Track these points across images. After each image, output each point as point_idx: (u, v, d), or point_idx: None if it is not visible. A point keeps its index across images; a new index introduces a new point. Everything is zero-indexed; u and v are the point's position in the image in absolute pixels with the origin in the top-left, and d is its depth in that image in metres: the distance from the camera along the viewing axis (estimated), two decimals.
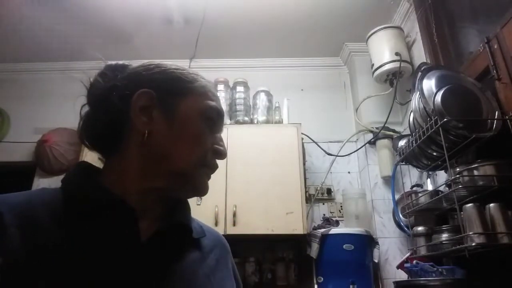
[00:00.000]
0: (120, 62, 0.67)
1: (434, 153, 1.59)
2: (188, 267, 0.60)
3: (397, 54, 2.33)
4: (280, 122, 2.53)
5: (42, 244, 0.50)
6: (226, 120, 2.47)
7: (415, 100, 1.65)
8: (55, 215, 0.53)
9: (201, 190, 0.63)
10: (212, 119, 0.65)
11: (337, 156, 2.66)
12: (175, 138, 0.61)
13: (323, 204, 2.60)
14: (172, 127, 0.61)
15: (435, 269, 1.54)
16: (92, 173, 0.62)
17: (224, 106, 2.51)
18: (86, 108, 0.64)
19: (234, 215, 2.10)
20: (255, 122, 2.53)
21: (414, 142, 1.64)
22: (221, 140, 0.67)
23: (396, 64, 2.31)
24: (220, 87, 2.62)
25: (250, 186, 2.22)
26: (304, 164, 2.40)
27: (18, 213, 0.52)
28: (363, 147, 2.58)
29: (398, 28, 2.48)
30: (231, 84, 2.67)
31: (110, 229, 0.54)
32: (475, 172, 1.43)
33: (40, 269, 0.48)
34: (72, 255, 0.50)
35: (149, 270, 0.55)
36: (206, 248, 0.67)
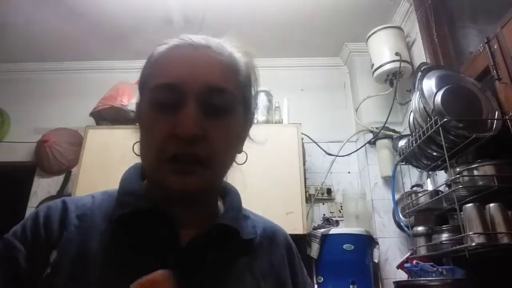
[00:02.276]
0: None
1: (434, 153, 1.59)
2: (235, 272, 0.57)
3: (397, 54, 2.33)
4: (280, 122, 2.53)
5: (90, 248, 0.52)
6: None
7: (415, 100, 1.65)
8: (107, 220, 0.56)
9: (172, 189, 0.52)
10: (163, 100, 0.53)
11: (337, 156, 2.66)
12: (140, 140, 0.56)
13: (323, 204, 2.60)
14: (140, 127, 0.57)
15: (435, 269, 1.54)
16: (140, 175, 0.62)
17: None
18: None
19: None
20: (255, 122, 2.51)
21: (414, 142, 1.64)
22: (185, 115, 0.51)
23: (396, 64, 2.31)
24: None
25: (250, 186, 2.21)
26: (304, 164, 2.40)
27: (80, 214, 0.56)
28: (363, 147, 2.58)
29: (398, 28, 2.48)
30: None
31: (148, 236, 0.54)
32: (475, 172, 1.43)
33: (82, 273, 0.50)
34: (111, 263, 0.52)
35: (191, 276, 0.53)
36: (259, 249, 0.62)
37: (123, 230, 0.54)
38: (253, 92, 0.63)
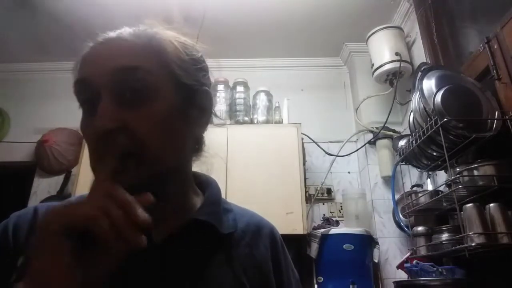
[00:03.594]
0: None
1: (434, 153, 1.59)
2: (214, 267, 0.56)
3: (397, 54, 2.33)
4: (280, 122, 2.53)
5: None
6: (226, 120, 2.48)
7: (415, 100, 1.65)
8: None
9: None
10: (81, 99, 0.51)
11: (337, 156, 2.66)
12: None
13: (323, 204, 2.60)
14: None
15: (435, 269, 1.54)
16: None
17: (224, 106, 2.51)
18: None
19: None
20: (255, 122, 2.52)
21: (414, 142, 1.64)
22: (98, 110, 0.48)
23: (396, 64, 2.31)
24: (220, 87, 2.62)
25: (250, 186, 2.22)
26: (304, 164, 2.40)
27: None
28: (363, 147, 2.58)
29: (398, 28, 2.48)
30: (231, 84, 2.67)
31: None
32: (475, 172, 1.43)
33: None
34: (85, 264, 0.51)
35: (166, 274, 0.52)
36: (240, 242, 0.60)
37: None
38: (198, 70, 0.59)
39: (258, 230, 0.65)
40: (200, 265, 0.55)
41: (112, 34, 0.54)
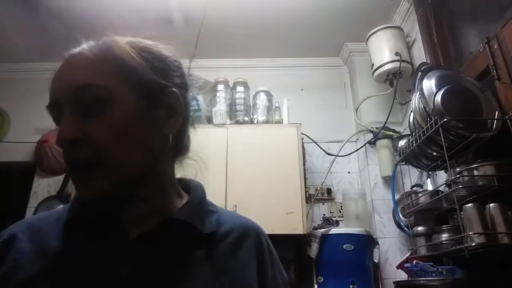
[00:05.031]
0: None
1: (434, 153, 1.59)
2: (191, 264, 0.57)
3: (397, 54, 2.33)
4: (280, 122, 2.53)
5: (46, 254, 0.55)
6: (226, 120, 2.48)
7: (415, 100, 1.65)
8: (60, 228, 0.59)
9: (83, 198, 0.56)
10: (53, 118, 0.56)
11: (337, 156, 2.66)
12: None
13: (323, 204, 2.60)
14: None
15: (435, 269, 1.54)
16: None
17: (224, 106, 2.51)
18: None
19: None
20: (255, 122, 2.53)
21: (414, 142, 1.64)
22: (62, 122, 0.52)
23: (396, 64, 2.31)
24: (220, 87, 2.62)
25: (250, 186, 2.22)
26: (304, 164, 2.40)
27: (31, 231, 0.58)
28: (363, 147, 2.58)
29: (398, 28, 2.48)
30: (231, 84, 2.67)
31: (97, 237, 0.56)
32: (475, 172, 1.43)
33: (41, 275, 0.53)
34: (64, 264, 0.54)
35: (140, 270, 0.54)
36: (222, 243, 0.61)
37: (75, 233, 0.57)
38: (163, 73, 0.60)
39: (244, 233, 0.65)
40: (176, 262, 0.56)
41: (75, 50, 0.57)
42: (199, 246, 0.59)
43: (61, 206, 0.68)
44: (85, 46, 0.57)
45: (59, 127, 0.52)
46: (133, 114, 0.55)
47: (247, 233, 0.65)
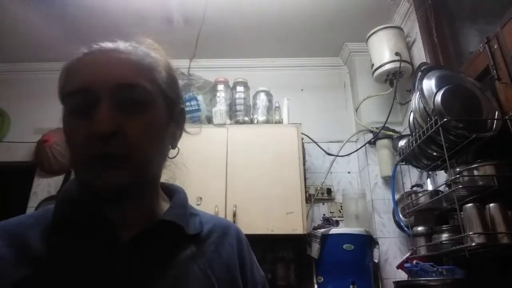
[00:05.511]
0: None
1: (434, 153, 1.59)
2: (181, 265, 0.58)
3: (397, 54, 2.33)
4: (280, 122, 2.53)
5: (29, 257, 0.52)
6: (226, 120, 2.48)
7: (415, 100, 1.65)
8: (45, 230, 0.56)
9: (95, 188, 0.53)
10: (77, 106, 0.54)
11: (337, 156, 2.66)
12: (68, 149, 0.57)
13: (323, 204, 2.60)
14: (65, 137, 0.58)
15: (435, 269, 1.54)
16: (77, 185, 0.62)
17: (224, 106, 2.51)
18: None
19: (234, 215, 2.09)
20: (255, 122, 2.53)
21: (414, 142, 1.64)
22: (98, 114, 0.51)
23: (396, 64, 2.31)
24: (220, 87, 2.62)
25: (250, 186, 2.22)
26: (304, 164, 2.40)
27: (8, 235, 0.55)
28: (363, 147, 2.58)
29: (398, 28, 2.48)
30: (231, 84, 2.67)
31: (88, 239, 0.55)
32: (475, 172, 1.43)
33: (26, 281, 0.50)
34: (54, 267, 0.52)
35: (134, 271, 0.54)
36: (206, 242, 0.64)
37: (62, 237, 0.55)
38: (177, 88, 0.65)
39: (224, 231, 0.69)
40: (166, 262, 0.57)
41: (110, 45, 0.59)
42: (186, 246, 0.61)
43: (29, 212, 0.65)
44: (122, 45, 0.59)
45: (95, 117, 0.51)
46: (162, 121, 0.59)
47: (227, 231, 0.69)
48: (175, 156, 0.66)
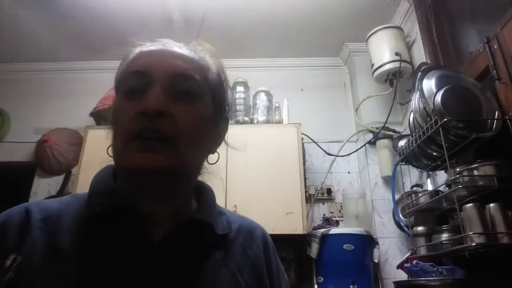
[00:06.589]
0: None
1: (434, 153, 1.59)
2: (211, 266, 0.57)
3: (397, 54, 2.33)
4: (280, 122, 2.53)
5: (60, 248, 0.52)
6: None
7: (415, 100, 1.65)
8: (77, 221, 0.56)
9: (135, 167, 0.52)
10: (132, 86, 0.56)
11: (337, 156, 2.66)
12: (112, 132, 0.58)
13: (323, 204, 2.60)
14: (112, 120, 0.59)
15: (435, 269, 1.54)
16: (113, 176, 0.62)
17: None
18: None
19: None
20: (255, 122, 2.53)
21: (414, 142, 1.64)
22: (150, 94, 0.53)
23: (396, 64, 2.31)
24: None
25: (250, 186, 2.22)
26: (304, 164, 2.40)
27: (46, 217, 0.56)
28: (363, 147, 2.58)
29: (398, 28, 2.48)
30: (231, 84, 2.67)
31: (119, 234, 0.54)
32: (475, 172, 1.43)
33: (53, 271, 0.50)
34: (84, 260, 0.51)
35: (164, 270, 0.53)
36: (234, 243, 0.63)
37: (94, 231, 0.54)
38: (225, 94, 0.66)
39: (251, 232, 0.68)
40: (196, 264, 0.57)
41: (173, 42, 0.63)
42: (215, 247, 0.60)
43: (79, 193, 0.63)
44: (182, 45, 0.63)
45: (147, 96, 0.53)
46: (209, 118, 0.60)
47: (254, 232, 0.68)
48: (215, 162, 0.66)
